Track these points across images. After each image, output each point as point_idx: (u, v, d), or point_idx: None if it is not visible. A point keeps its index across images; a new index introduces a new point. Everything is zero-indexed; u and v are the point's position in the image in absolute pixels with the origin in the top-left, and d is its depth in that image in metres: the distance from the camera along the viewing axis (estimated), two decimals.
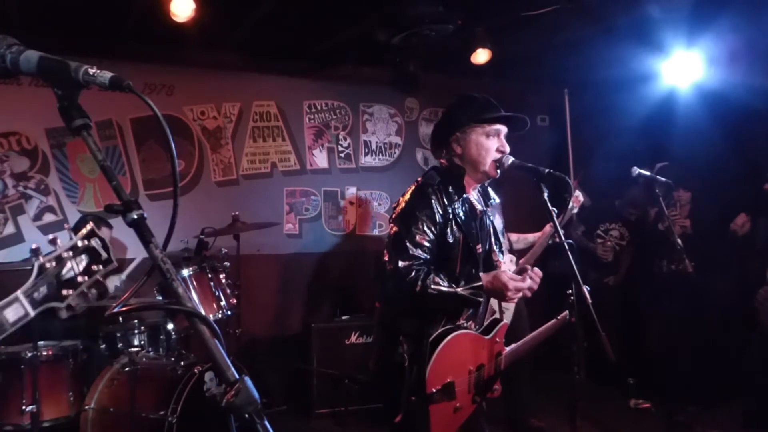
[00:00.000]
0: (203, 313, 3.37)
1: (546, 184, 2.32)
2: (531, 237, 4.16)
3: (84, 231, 1.19)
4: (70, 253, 1.16)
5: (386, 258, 2.32)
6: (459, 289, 2.26)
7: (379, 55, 5.22)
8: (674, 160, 4.80)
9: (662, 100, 5.07)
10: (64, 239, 1.19)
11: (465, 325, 2.40)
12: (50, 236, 1.21)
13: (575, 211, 4.05)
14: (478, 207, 2.49)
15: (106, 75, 1.12)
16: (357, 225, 5.91)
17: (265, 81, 5.58)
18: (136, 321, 4.04)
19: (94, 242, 1.18)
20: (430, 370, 2.21)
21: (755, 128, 4.76)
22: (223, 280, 4.18)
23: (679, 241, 3.96)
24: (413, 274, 2.23)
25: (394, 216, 2.40)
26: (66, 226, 1.14)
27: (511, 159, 2.41)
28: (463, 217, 2.38)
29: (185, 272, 3.98)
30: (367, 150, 5.96)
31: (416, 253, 2.27)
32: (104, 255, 1.18)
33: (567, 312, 2.46)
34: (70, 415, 3.64)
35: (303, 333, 5.10)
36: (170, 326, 4.11)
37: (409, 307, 2.32)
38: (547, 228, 3.92)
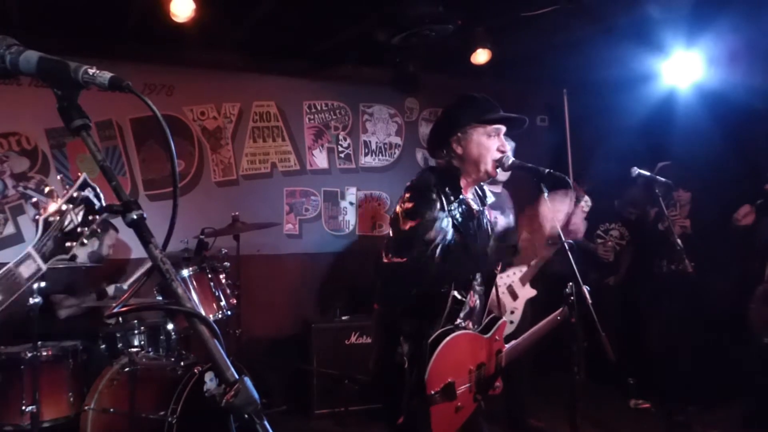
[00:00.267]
0: (203, 313, 3.38)
1: (546, 184, 2.32)
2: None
3: (78, 182, 1.21)
4: (70, 206, 1.20)
5: (391, 257, 2.31)
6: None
7: (379, 55, 5.21)
8: (674, 160, 4.79)
9: (662, 100, 5.07)
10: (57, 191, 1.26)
11: (463, 324, 2.40)
12: (46, 189, 1.24)
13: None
14: (475, 207, 2.50)
15: (106, 75, 1.12)
16: (357, 225, 5.91)
17: (265, 81, 5.57)
18: (135, 321, 4.04)
19: (88, 191, 1.21)
20: (430, 372, 2.21)
21: (755, 128, 4.76)
22: (223, 281, 4.18)
23: (679, 241, 3.96)
24: (429, 254, 2.23)
25: (399, 216, 2.37)
26: (59, 177, 1.20)
27: (511, 159, 2.42)
28: (460, 219, 2.38)
29: (185, 272, 3.98)
30: (367, 150, 5.96)
31: (428, 242, 2.27)
32: (98, 204, 1.20)
33: (565, 307, 2.47)
34: (69, 416, 3.65)
35: (303, 333, 5.09)
36: (170, 326, 4.11)
37: (424, 293, 2.32)
38: None
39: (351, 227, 5.89)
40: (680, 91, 5.04)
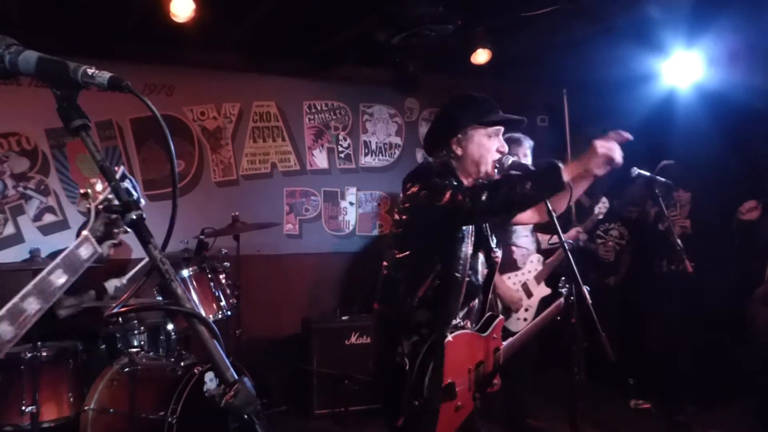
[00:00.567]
0: (203, 313, 3.38)
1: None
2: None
3: (119, 173, 1.27)
4: (112, 195, 1.26)
5: (442, 198, 2.22)
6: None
7: (379, 55, 5.21)
8: (674, 160, 4.80)
9: (662, 101, 5.06)
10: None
11: (461, 324, 2.40)
12: (93, 180, 1.32)
13: (601, 217, 4.16)
14: None
15: (105, 75, 1.12)
16: (357, 225, 5.91)
17: (265, 81, 5.57)
18: (135, 321, 4.04)
19: (127, 183, 1.27)
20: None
21: (755, 128, 4.76)
22: (223, 281, 4.18)
23: (678, 241, 3.96)
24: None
25: (417, 193, 2.34)
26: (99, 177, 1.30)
27: (511, 159, 2.41)
28: None
29: (185, 272, 3.97)
30: (367, 150, 5.96)
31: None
32: (136, 195, 1.26)
33: (561, 300, 2.48)
34: (69, 416, 3.64)
35: (303, 333, 5.09)
36: (170, 327, 4.11)
37: (444, 279, 2.30)
38: (573, 232, 4.13)
39: (351, 227, 5.89)
40: (680, 91, 5.04)
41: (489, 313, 2.54)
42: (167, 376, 3.49)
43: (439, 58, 5.44)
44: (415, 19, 4.25)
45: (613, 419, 4.59)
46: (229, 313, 4.10)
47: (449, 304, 2.32)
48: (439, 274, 2.31)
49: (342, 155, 5.87)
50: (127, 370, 3.51)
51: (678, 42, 4.74)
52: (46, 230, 4.81)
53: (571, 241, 2.35)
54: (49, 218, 4.84)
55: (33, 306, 1.16)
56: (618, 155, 2.15)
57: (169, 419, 3.20)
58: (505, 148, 2.42)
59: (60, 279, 1.20)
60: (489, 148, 2.38)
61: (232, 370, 1.12)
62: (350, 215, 5.89)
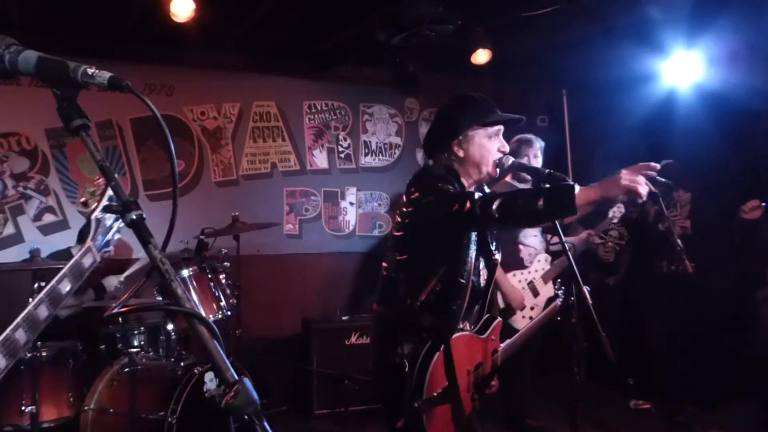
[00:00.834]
0: (202, 313, 3.37)
1: (546, 185, 2.32)
2: (567, 240, 4.20)
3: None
4: (111, 202, 1.33)
5: (450, 205, 2.19)
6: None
7: (379, 55, 5.21)
8: (675, 160, 4.79)
9: (662, 101, 5.06)
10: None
11: (460, 326, 2.40)
12: (92, 188, 1.40)
13: (615, 221, 4.16)
14: None
15: (105, 75, 1.11)
16: (357, 225, 5.91)
17: (265, 81, 5.57)
18: (135, 321, 4.04)
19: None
20: (430, 375, 2.20)
21: (755, 128, 4.76)
22: (223, 281, 4.18)
23: (678, 241, 3.95)
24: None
25: (420, 198, 2.32)
26: (97, 177, 1.36)
27: (511, 159, 2.41)
28: None
29: (185, 273, 3.97)
30: (367, 150, 5.96)
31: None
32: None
33: (558, 301, 2.48)
34: (69, 416, 3.64)
35: (303, 333, 5.09)
36: (170, 327, 4.11)
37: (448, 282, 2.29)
38: (583, 234, 4.15)
39: (351, 227, 5.89)
40: (680, 92, 5.04)
41: (487, 315, 2.53)
42: (167, 376, 3.49)
43: (439, 58, 5.44)
44: (415, 19, 4.25)
45: (613, 419, 4.59)
46: (229, 313, 4.10)
47: (453, 308, 2.32)
48: (442, 278, 2.29)
49: (342, 155, 5.87)
50: (127, 370, 3.51)
51: (678, 42, 4.74)
52: (46, 230, 4.81)
53: (571, 242, 2.34)
54: (49, 218, 4.84)
55: (44, 313, 1.21)
56: (643, 191, 1.99)
57: (169, 419, 3.20)
58: (506, 148, 2.41)
59: (67, 287, 1.26)
60: (490, 148, 2.37)
61: (232, 370, 1.12)
62: (350, 215, 5.89)
